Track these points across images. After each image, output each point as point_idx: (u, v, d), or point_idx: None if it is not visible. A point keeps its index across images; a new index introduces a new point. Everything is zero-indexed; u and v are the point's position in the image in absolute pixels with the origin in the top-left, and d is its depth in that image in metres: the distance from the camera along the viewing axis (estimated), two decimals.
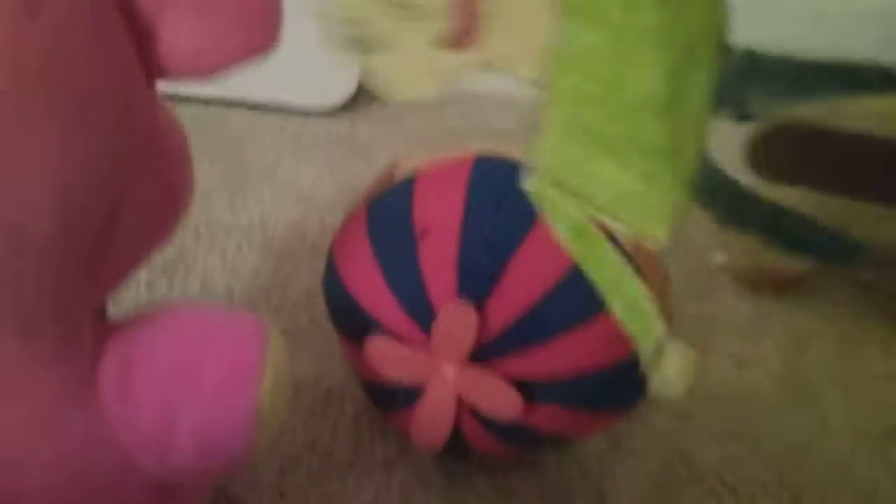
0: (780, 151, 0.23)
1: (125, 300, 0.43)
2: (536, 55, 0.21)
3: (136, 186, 0.23)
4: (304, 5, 0.70)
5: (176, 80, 0.25)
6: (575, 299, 0.32)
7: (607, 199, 0.21)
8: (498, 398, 0.32)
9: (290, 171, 0.59)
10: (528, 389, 0.32)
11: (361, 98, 0.69)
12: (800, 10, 0.64)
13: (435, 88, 0.22)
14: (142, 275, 0.46)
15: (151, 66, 0.24)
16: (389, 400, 0.35)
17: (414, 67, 0.22)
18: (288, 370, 0.28)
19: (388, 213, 0.35)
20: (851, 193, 0.24)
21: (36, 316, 0.23)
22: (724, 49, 0.20)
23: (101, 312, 0.28)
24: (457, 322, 0.31)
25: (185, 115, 0.65)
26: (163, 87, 0.66)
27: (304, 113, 0.67)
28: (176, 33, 0.24)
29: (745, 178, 0.22)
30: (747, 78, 0.20)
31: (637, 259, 0.35)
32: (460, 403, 0.32)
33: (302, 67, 0.67)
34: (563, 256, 0.28)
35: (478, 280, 0.32)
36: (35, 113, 0.19)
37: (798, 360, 0.46)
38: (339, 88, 0.68)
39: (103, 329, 0.26)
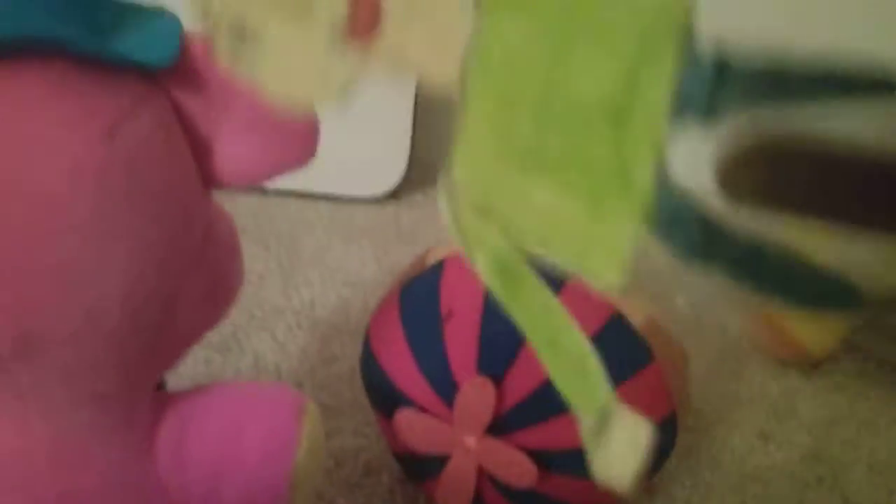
0: (758, 169, 0.18)
1: (183, 374, 0.47)
2: (455, 51, 0.17)
3: (192, 277, 0.27)
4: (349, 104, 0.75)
5: (226, 187, 0.29)
6: None
7: (543, 229, 0.17)
8: (515, 468, 0.34)
9: (338, 256, 0.63)
10: (544, 459, 0.34)
11: (407, 186, 0.74)
12: None
13: (331, 95, 0.18)
14: (199, 351, 0.50)
15: (207, 175, 0.28)
16: (419, 469, 0.38)
17: (300, 63, 0.18)
18: (322, 440, 0.31)
19: (418, 296, 0.38)
20: (843, 221, 0.19)
21: (106, 388, 0.27)
22: (689, 43, 0.15)
23: (160, 384, 0.32)
24: (476, 397, 0.34)
25: (246, 205, 0.70)
26: None
27: (354, 201, 0.72)
28: (229, 149, 0.28)
29: (714, 201, 0.17)
30: (718, 79, 0.17)
31: (649, 339, 0.38)
32: (481, 472, 0.35)
33: (352, 160, 0.73)
34: None
35: (497, 357, 0.35)
36: (116, 222, 0.24)
37: (825, 437, 0.48)
38: (387, 178, 0.73)
39: (162, 399, 0.29)
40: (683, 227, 0.18)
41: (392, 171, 0.73)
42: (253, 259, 0.62)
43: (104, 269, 0.24)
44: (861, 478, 0.45)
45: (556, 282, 0.34)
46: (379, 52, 0.18)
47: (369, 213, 0.71)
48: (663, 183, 0.16)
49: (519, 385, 0.35)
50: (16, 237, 0.23)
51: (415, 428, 0.36)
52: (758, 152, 0.18)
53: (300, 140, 0.28)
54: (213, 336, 0.52)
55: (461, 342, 0.36)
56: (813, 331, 0.53)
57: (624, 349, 0.36)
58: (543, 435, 0.35)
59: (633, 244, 0.16)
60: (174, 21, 0.27)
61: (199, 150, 0.28)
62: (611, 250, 0.17)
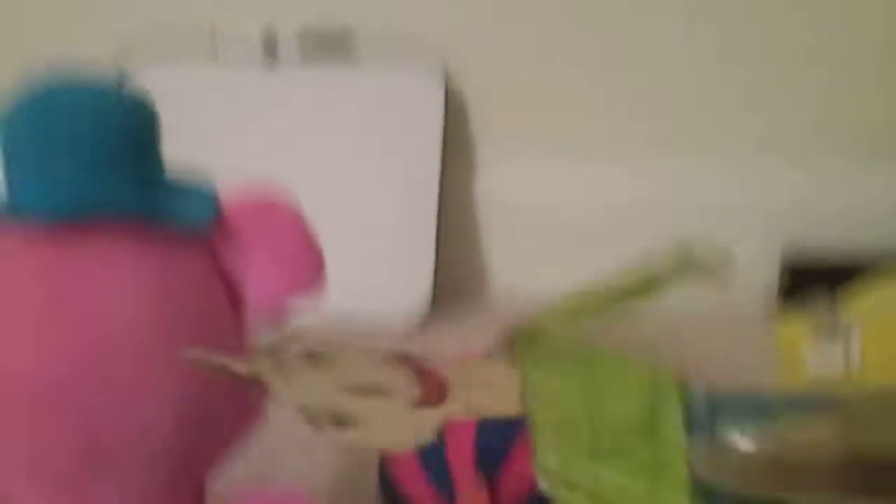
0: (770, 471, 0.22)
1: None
2: (509, 399, 0.24)
3: (222, 404, 0.33)
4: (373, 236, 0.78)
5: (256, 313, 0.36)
6: None
7: (618, 499, 0.22)
8: None
9: None
10: None
11: (433, 312, 0.78)
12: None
13: (420, 438, 0.24)
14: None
15: (239, 309, 0.35)
16: None
17: (396, 427, 0.24)
18: None
19: None
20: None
21: (151, 490, 0.33)
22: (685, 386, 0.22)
23: (200, 490, 0.37)
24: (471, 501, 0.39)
25: None
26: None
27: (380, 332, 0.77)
28: (254, 289, 0.35)
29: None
30: (711, 409, 0.22)
31: None
32: None
33: (374, 293, 0.77)
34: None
35: (491, 459, 0.40)
36: (168, 350, 0.30)
37: None
38: (411, 307, 0.78)
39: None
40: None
41: (416, 300, 0.77)
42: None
43: (160, 388, 0.30)
44: None
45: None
46: (450, 405, 0.24)
47: (394, 343, 0.76)
48: (697, 477, 0.22)
49: (514, 487, 0.39)
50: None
51: None
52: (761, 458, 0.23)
53: (312, 275, 0.35)
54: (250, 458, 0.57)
55: (460, 450, 0.40)
56: None
57: None
58: None
59: None
60: (212, 190, 0.34)
61: (233, 297, 0.34)
62: None
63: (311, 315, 0.76)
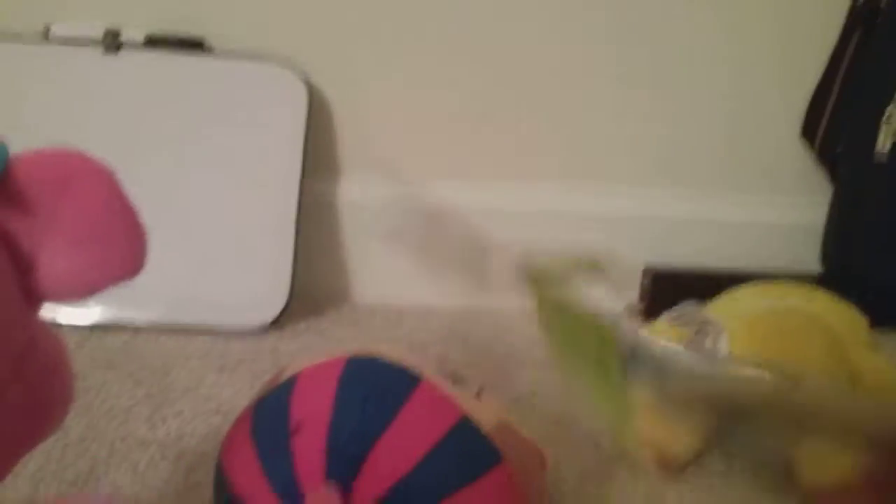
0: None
1: None
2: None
3: (8, 390, 0.27)
4: (232, 234, 0.76)
5: (54, 302, 0.29)
6: (436, 477, 0.35)
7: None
8: None
9: (211, 387, 0.62)
10: None
11: (289, 315, 0.74)
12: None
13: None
14: (52, 486, 0.48)
15: (31, 290, 0.29)
16: None
17: None
18: None
19: (269, 410, 0.38)
20: None
21: None
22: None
23: None
24: None
25: (117, 343, 0.69)
26: (92, 318, 0.70)
27: (233, 334, 0.72)
28: (53, 264, 0.28)
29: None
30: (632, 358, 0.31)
31: (500, 441, 0.38)
32: None
33: (230, 291, 0.73)
34: (423, 442, 0.32)
35: (344, 465, 0.35)
36: None
37: None
38: (267, 309, 0.73)
39: None
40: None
41: (273, 302, 0.73)
42: (119, 394, 0.60)
43: None
44: None
45: (409, 385, 0.36)
46: None
47: (248, 344, 0.70)
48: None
49: (368, 491, 0.35)
50: None
51: None
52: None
53: (123, 257, 0.29)
54: (67, 471, 0.50)
55: (309, 453, 0.36)
56: (679, 434, 0.55)
57: (470, 452, 0.37)
58: None
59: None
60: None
61: (21, 266, 0.28)
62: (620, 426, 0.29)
63: (158, 312, 0.71)
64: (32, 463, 0.50)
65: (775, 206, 0.82)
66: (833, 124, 0.78)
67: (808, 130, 0.79)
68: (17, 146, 0.30)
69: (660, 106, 0.79)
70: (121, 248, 0.29)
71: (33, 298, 0.29)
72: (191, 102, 0.74)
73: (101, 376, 0.62)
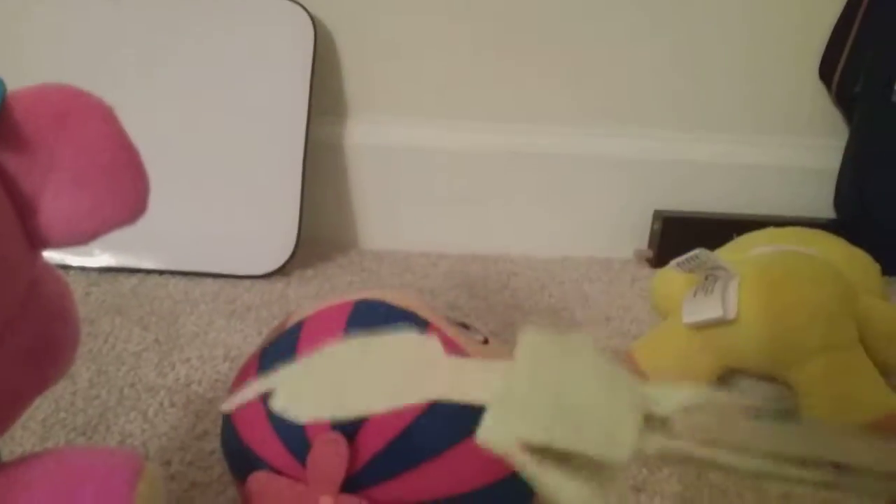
0: None
1: None
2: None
3: (11, 332, 0.27)
4: (240, 179, 0.76)
5: (57, 246, 0.29)
6: (442, 425, 0.35)
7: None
8: None
9: (220, 333, 0.62)
10: None
11: (297, 262, 0.74)
12: None
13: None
14: (61, 434, 0.48)
15: (34, 233, 0.28)
16: None
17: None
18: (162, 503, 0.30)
19: (276, 356, 0.38)
20: None
21: None
22: None
23: None
24: (329, 454, 0.34)
25: (125, 288, 0.69)
26: (102, 261, 0.70)
27: (241, 279, 0.71)
28: (55, 207, 0.28)
29: None
30: None
31: None
32: None
33: (240, 238, 0.73)
34: None
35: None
36: None
37: (695, 486, 0.49)
38: (275, 255, 0.73)
39: None
40: None
41: (281, 248, 0.73)
42: (128, 339, 0.60)
43: None
44: None
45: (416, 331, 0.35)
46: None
47: (256, 290, 0.70)
48: None
49: (372, 440, 0.34)
50: None
51: (267, 491, 0.35)
52: None
53: (125, 198, 0.28)
54: (77, 417, 0.50)
55: None
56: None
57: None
58: (398, 489, 0.34)
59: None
60: None
61: (23, 208, 0.28)
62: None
63: (166, 259, 0.71)
64: (41, 410, 0.51)
65: (790, 149, 0.81)
66: (851, 65, 0.76)
67: (826, 71, 0.77)
68: (18, 85, 0.29)
69: (674, 47, 0.77)
70: (122, 188, 0.29)
71: (36, 241, 0.28)
72: (196, 41, 0.73)
73: (109, 322, 0.62)
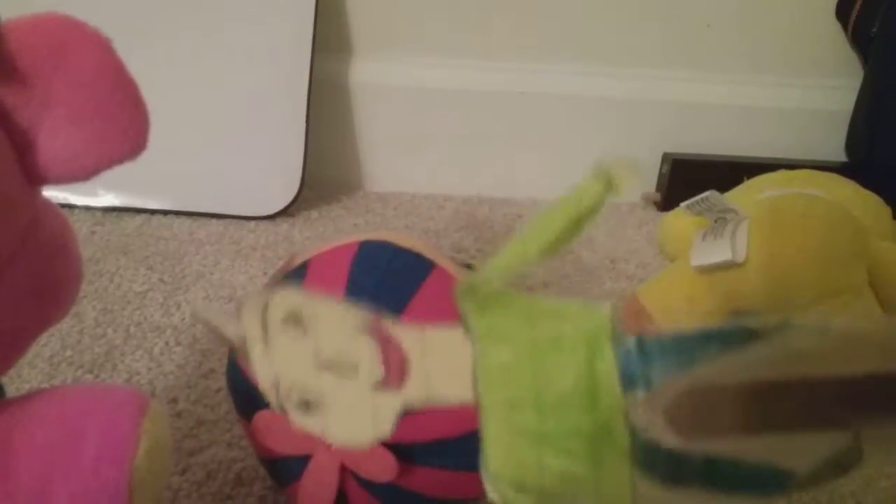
0: (697, 410, 0.22)
1: None
2: (466, 380, 0.23)
3: (11, 269, 0.26)
4: (244, 119, 0.75)
5: (56, 183, 0.28)
6: None
7: (565, 489, 0.22)
8: (375, 463, 0.34)
9: (225, 273, 0.62)
10: (404, 452, 0.34)
11: (302, 204, 0.73)
12: None
13: (379, 431, 0.24)
14: (67, 371, 0.48)
15: (32, 171, 0.28)
16: (283, 473, 0.37)
17: (357, 415, 0.24)
18: (167, 441, 0.30)
19: None
20: (775, 431, 0.22)
21: None
22: (619, 336, 0.22)
23: None
24: None
25: (131, 226, 0.69)
26: (106, 201, 0.70)
27: (246, 220, 0.71)
28: (52, 142, 0.27)
29: (671, 439, 0.21)
30: (642, 357, 0.22)
31: None
32: (342, 469, 0.34)
33: (245, 179, 0.72)
34: (437, 325, 0.31)
35: None
36: None
37: None
38: (279, 196, 0.72)
39: None
40: (659, 464, 0.22)
41: (286, 189, 0.72)
42: (133, 278, 0.60)
43: None
44: None
45: (422, 271, 0.34)
46: (410, 389, 0.24)
47: (261, 231, 0.70)
48: (636, 433, 0.21)
49: None
50: None
51: (273, 429, 0.35)
52: (693, 396, 0.22)
53: (125, 133, 0.28)
54: (84, 355, 0.51)
55: None
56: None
57: None
58: (403, 428, 0.34)
59: (631, 483, 0.21)
60: None
61: (20, 144, 0.27)
62: (618, 493, 0.22)
63: (170, 199, 0.70)
64: (48, 348, 0.51)
65: (803, 90, 0.79)
66: (868, 4, 0.74)
67: (842, 10, 0.76)
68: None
69: None
70: (121, 122, 0.28)
71: (34, 178, 0.28)
72: None
73: (115, 261, 0.62)
